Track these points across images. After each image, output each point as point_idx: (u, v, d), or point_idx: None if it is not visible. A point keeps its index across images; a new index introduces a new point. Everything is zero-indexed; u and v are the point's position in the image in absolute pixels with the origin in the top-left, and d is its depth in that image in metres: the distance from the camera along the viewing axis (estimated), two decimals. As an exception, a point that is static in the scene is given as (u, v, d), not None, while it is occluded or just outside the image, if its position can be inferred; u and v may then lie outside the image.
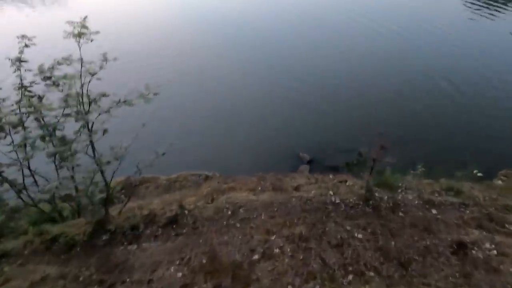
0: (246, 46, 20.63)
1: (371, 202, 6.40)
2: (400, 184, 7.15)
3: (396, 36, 22.31)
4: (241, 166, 13.04)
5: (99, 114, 5.45)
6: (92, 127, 5.52)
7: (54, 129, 5.90)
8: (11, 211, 7.07)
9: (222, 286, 4.53)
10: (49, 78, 5.48)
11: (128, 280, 4.85)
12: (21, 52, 6.08)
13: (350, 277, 4.75)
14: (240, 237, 5.47)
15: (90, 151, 5.99)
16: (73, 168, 5.65)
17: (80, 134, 5.49)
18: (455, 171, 11.15)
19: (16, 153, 6.01)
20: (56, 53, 5.70)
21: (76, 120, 5.40)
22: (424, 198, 6.73)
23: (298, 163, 13.58)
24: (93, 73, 5.43)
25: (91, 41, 5.41)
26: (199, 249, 5.29)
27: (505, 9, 26.64)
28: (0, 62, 6.72)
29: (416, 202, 6.63)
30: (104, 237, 5.81)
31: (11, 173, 6.45)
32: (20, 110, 5.97)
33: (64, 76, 5.32)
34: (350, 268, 4.86)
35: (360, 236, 5.49)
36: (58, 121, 5.87)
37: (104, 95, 5.87)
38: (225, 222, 5.89)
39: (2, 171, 5.54)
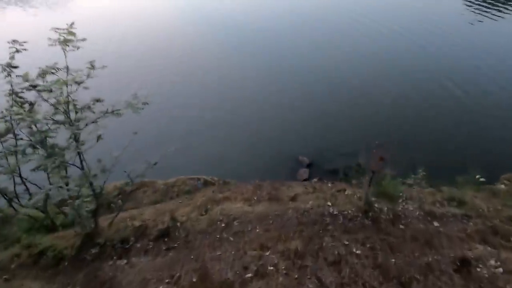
0: (246, 49, 20.20)
1: (370, 214, 6.07)
2: (400, 194, 6.81)
3: (398, 37, 21.83)
4: (240, 169, 12.73)
5: (86, 125, 5.14)
6: (79, 137, 5.21)
7: (46, 137, 5.61)
8: (2, 219, 6.83)
9: (212, 307, 4.23)
10: (35, 87, 5.17)
11: (114, 299, 4.56)
12: (11, 57, 5.80)
13: (347, 298, 4.44)
14: (233, 252, 5.16)
15: (85, 159, 5.74)
16: (62, 178, 5.37)
17: (68, 146, 5.17)
18: (457, 175, 10.81)
19: (7, 160, 5.74)
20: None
21: (66, 128, 5.10)
22: (426, 209, 6.38)
23: (297, 166, 13.24)
24: (79, 82, 5.11)
25: (77, 48, 5.08)
26: (190, 265, 4.99)
27: (506, 9, 26.06)
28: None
29: (417, 213, 6.29)
30: (93, 251, 5.53)
31: (2, 181, 6.20)
32: (11, 117, 5.70)
33: (49, 87, 4.99)
34: (348, 288, 4.54)
35: (358, 252, 5.16)
36: (49, 128, 5.59)
37: (89, 106, 5.53)
38: (218, 236, 5.58)
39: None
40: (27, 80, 5.16)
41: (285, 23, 23.97)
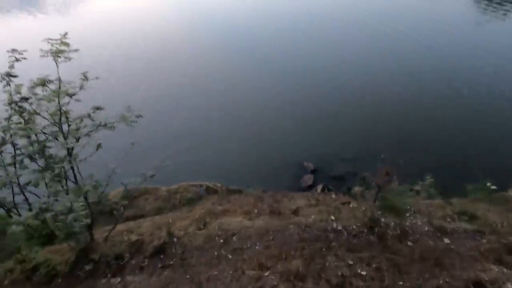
0: (251, 53, 19.82)
1: (376, 229, 5.67)
2: (408, 207, 6.38)
3: (404, 38, 21.21)
4: (245, 176, 12.40)
5: (79, 138, 4.87)
6: (72, 151, 4.94)
7: (44, 146, 5.37)
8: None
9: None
10: (26, 99, 4.93)
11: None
12: (11, 66, 5.57)
13: (351, 326, 4.06)
14: (230, 272, 4.83)
15: (80, 172, 5.49)
16: (57, 192, 5.11)
17: (62, 159, 4.91)
18: (467, 182, 10.31)
19: (6, 170, 5.52)
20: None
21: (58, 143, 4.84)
22: (435, 224, 5.95)
23: (302, 172, 12.85)
24: (72, 94, 4.84)
25: (69, 60, 4.82)
26: (185, 286, 4.67)
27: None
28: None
29: (426, 228, 5.86)
30: (87, 267, 5.25)
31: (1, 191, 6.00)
32: (9, 127, 5.48)
33: (38, 99, 4.73)
34: (352, 315, 4.17)
35: (363, 273, 4.78)
36: (47, 138, 5.34)
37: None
38: (216, 253, 5.25)
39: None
40: (18, 93, 4.91)
41: (289, 26, 23.51)
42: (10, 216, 6.34)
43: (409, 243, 5.51)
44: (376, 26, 22.88)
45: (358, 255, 5.11)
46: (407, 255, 5.22)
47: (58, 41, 4.96)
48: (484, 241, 5.67)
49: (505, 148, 12.88)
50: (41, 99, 5.04)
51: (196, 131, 14.00)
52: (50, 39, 4.95)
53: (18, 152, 5.54)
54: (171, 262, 5.18)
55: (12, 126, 5.32)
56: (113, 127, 4.94)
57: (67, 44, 5.05)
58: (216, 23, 24.38)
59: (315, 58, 19.14)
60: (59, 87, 4.83)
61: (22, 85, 5.11)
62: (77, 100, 4.92)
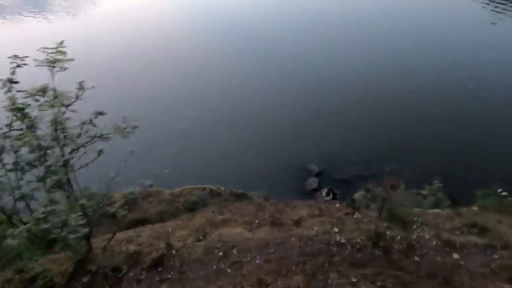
0: (253, 53, 19.44)
1: (381, 243, 5.37)
2: (415, 219, 6.06)
3: (413, 38, 20.58)
4: (249, 178, 12.16)
5: (74, 150, 4.70)
6: (68, 163, 4.77)
7: (45, 153, 5.22)
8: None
9: None
10: (21, 110, 4.77)
11: None
12: (12, 72, 5.43)
13: None
14: None
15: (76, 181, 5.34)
16: (52, 202, 4.96)
17: (57, 171, 4.75)
18: (476, 186, 9.89)
19: (7, 176, 5.40)
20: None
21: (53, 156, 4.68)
22: (443, 238, 5.63)
23: (306, 175, 12.55)
24: (67, 105, 4.66)
25: (64, 70, 4.63)
26: (181, 302, 4.47)
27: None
28: None
29: (434, 242, 5.55)
30: (84, 279, 5.10)
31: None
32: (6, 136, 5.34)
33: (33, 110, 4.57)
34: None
35: (367, 291, 4.50)
36: (47, 146, 5.19)
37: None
38: (214, 266, 5.04)
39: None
40: (14, 103, 4.75)
41: (290, 25, 22.95)
42: (12, 222, 6.25)
43: (416, 258, 5.21)
44: (380, 22, 22.30)
45: (362, 271, 4.83)
46: (413, 271, 4.92)
47: (54, 50, 4.78)
48: (496, 256, 5.32)
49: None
50: (41, 105, 4.88)
51: (198, 133, 13.80)
52: (46, 48, 4.78)
53: (19, 159, 5.42)
54: (169, 276, 4.99)
55: (13, 133, 5.19)
56: (109, 138, 4.73)
57: (63, 53, 4.87)
58: (215, 21, 24.03)
59: (318, 56, 18.69)
60: (54, 98, 4.64)
61: (16, 97, 4.97)
62: (73, 111, 4.73)
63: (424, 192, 10.65)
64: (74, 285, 5.07)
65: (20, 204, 6.03)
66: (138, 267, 5.20)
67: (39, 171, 5.20)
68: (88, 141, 4.72)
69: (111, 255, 5.47)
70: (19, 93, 4.79)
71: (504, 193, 8.73)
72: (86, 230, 5.32)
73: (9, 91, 5.43)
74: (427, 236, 5.65)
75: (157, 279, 4.97)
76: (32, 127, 5.17)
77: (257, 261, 5.09)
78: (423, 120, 14.30)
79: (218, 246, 5.37)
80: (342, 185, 12.05)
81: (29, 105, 5.03)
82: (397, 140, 13.36)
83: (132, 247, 5.70)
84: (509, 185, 8.87)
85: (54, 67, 4.63)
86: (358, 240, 5.43)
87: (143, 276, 5.05)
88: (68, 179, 4.87)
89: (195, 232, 5.88)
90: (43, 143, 4.90)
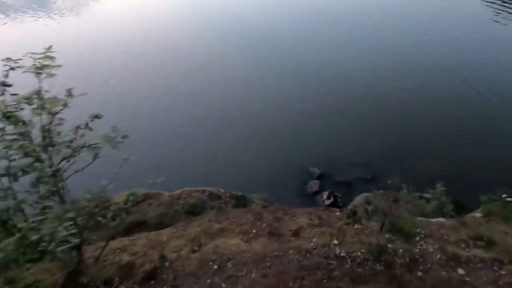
0: (255, 53, 19.03)
1: (383, 257, 5.07)
2: (417, 230, 5.74)
3: (416, 38, 20.03)
4: (249, 181, 11.87)
5: (62, 159, 4.43)
6: (56, 173, 4.50)
7: (38, 159, 4.97)
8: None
9: None
10: (9, 117, 4.50)
11: None
12: (5, 75, 5.16)
13: None
14: (223, 304, 4.34)
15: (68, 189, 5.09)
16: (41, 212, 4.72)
17: (47, 181, 4.49)
18: (480, 191, 9.52)
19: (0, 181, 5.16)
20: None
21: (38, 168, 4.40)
22: (448, 251, 5.31)
23: (307, 178, 12.24)
24: (55, 113, 4.38)
25: (51, 77, 4.35)
26: (173, 320, 4.21)
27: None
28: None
29: (438, 256, 5.23)
30: (75, 292, 4.85)
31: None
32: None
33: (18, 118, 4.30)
34: None
35: (368, 311, 4.21)
36: (36, 156, 4.93)
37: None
38: (209, 280, 4.78)
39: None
40: (6, 107, 4.47)
41: (291, 24, 22.51)
42: (6, 228, 6.01)
43: (420, 274, 4.91)
44: (382, 21, 21.74)
45: (363, 287, 4.54)
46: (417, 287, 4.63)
47: (42, 56, 4.50)
48: (503, 272, 5.00)
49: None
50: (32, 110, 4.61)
51: (197, 133, 13.53)
52: (34, 53, 4.49)
53: (12, 164, 5.16)
54: (161, 290, 4.73)
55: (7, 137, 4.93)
56: (98, 148, 4.45)
57: (51, 58, 4.58)
58: (217, 20, 23.63)
59: (320, 55, 18.28)
60: (41, 105, 4.37)
61: (7, 101, 4.70)
62: (61, 119, 4.45)
63: (427, 195, 10.32)
64: (64, 298, 4.84)
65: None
66: (130, 279, 4.95)
67: (32, 177, 4.97)
68: (77, 151, 4.44)
69: (103, 266, 5.23)
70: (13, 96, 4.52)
71: (509, 199, 8.37)
72: (77, 240, 5.09)
73: (2, 94, 5.18)
74: (431, 249, 5.34)
75: (149, 293, 4.71)
76: (24, 132, 4.92)
77: (253, 275, 4.81)
78: (426, 121, 13.90)
79: (213, 258, 5.10)
80: (343, 187, 11.74)
81: (22, 109, 4.77)
82: (399, 142, 12.98)
83: (125, 257, 5.45)
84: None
85: (40, 73, 4.35)
86: (359, 253, 5.13)
87: (135, 290, 4.80)
88: (57, 189, 4.61)
89: (190, 242, 5.61)
90: (33, 152, 4.65)
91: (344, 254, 5.12)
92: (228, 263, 5.01)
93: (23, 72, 4.44)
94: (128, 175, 11.42)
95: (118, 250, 5.77)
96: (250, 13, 24.39)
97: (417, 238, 5.58)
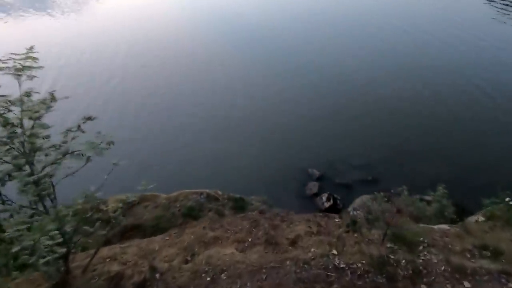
0: (254, 54, 18.53)
1: (385, 269, 4.74)
2: (420, 239, 5.40)
3: (418, 39, 19.53)
4: (248, 182, 11.51)
5: (44, 167, 4.10)
6: (39, 181, 4.17)
7: (18, 167, 4.64)
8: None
9: None
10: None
11: None
12: None
13: None
14: (215, 321, 4.02)
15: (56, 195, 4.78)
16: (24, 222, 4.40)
17: (27, 190, 4.16)
18: (483, 193, 9.18)
19: None
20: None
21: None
22: (453, 263, 4.97)
23: (307, 179, 11.88)
24: (35, 118, 4.05)
25: (31, 79, 4.01)
26: (162, 338, 3.89)
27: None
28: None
29: (443, 268, 4.90)
30: (61, 306, 4.54)
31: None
32: None
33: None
34: None
35: (369, 329, 3.89)
36: (16, 164, 4.59)
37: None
38: (201, 294, 4.45)
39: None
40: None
41: (292, 24, 22.04)
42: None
43: (423, 287, 4.58)
44: (383, 22, 21.28)
45: (363, 304, 4.22)
46: (420, 304, 4.30)
47: (23, 56, 4.16)
48: (511, 285, 4.67)
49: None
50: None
51: (196, 134, 13.18)
52: (14, 54, 4.15)
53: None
54: (151, 304, 4.42)
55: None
56: (83, 155, 4.12)
57: (34, 59, 4.23)
58: (217, 19, 23.12)
59: (319, 56, 17.83)
60: (21, 111, 4.03)
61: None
62: (41, 125, 4.11)
63: (428, 198, 10.00)
64: (49, 312, 4.54)
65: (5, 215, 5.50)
66: (118, 292, 4.64)
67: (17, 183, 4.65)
68: (59, 159, 4.11)
69: (92, 277, 4.92)
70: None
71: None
72: (63, 250, 4.77)
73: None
74: (435, 260, 5.01)
75: (138, 307, 4.40)
76: (13, 135, 4.59)
77: (247, 288, 4.49)
78: (427, 122, 13.51)
79: (206, 270, 4.78)
80: (342, 189, 11.39)
81: (10, 111, 4.44)
82: (400, 143, 12.62)
83: (115, 267, 5.14)
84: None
85: (20, 75, 4.01)
86: (359, 264, 4.80)
87: (123, 304, 4.49)
88: (41, 198, 4.29)
89: (183, 251, 5.29)
90: (18, 158, 4.32)
91: (344, 266, 4.79)
92: (222, 275, 4.70)
93: (4, 74, 4.10)
94: (128, 175, 11.17)
95: (108, 259, 5.46)
96: (250, 13, 23.97)
97: (420, 248, 5.25)
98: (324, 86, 15.53)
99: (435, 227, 6.16)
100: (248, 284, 4.55)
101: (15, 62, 4.07)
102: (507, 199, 8.23)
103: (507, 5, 23.35)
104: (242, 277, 4.65)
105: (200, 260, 4.97)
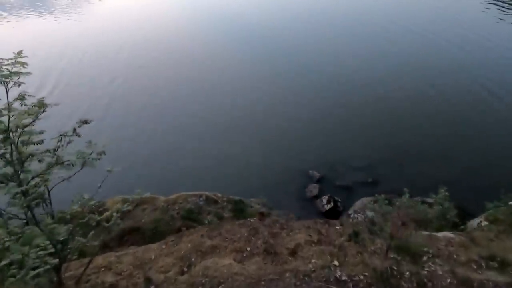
0: (254, 54, 18.19)
1: (388, 282, 4.51)
2: (425, 249, 5.17)
3: (419, 39, 19.13)
4: (247, 184, 11.29)
5: (33, 177, 3.87)
6: (27, 192, 3.95)
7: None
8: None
9: None
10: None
11: None
12: None
13: None
14: (211, 339, 3.80)
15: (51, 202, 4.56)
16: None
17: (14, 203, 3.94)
18: (484, 195, 8.95)
19: None
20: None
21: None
22: (459, 275, 4.74)
23: (307, 181, 11.64)
24: (24, 126, 3.81)
25: (18, 86, 3.77)
26: None
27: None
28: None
29: (449, 280, 4.66)
30: (52, 319, 4.33)
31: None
32: None
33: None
34: None
35: None
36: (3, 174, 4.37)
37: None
38: (197, 308, 4.23)
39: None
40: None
41: (292, 24, 21.66)
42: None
43: (428, 301, 4.35)
44: (384, 22, 20.90)
45: (366, 320, 3.99)
46: (426, 320, 4.07)
47: (12, 61, 3.90)
48: (520, 299, 4.44)
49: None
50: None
51: (195, 135, 12.93)
52: (1, 59, 3.89)
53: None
54: (145, 319, 4.20)
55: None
56: (73, 165, 3.89)
57: (22, 64, 3.98)
58: (217, 19, 22.77)
59: (320, 57, 17.49)
60: (8, 118, 3.78)
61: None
62: (34, 135, 3.87)
63: (430, 200, 9.77)
64: (40, 326, 4.32)
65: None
66: (111, 306, 4.42)
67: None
68: (48, 169, 3.88)
69: (85, 289, 4.70)
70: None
71: (516, 206, 7.81)
72: (55, 261, 4.55)
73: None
74: (440, 272, 4.77)
75: (132, 322, 4.18)
76: (6, 139, 4.35)
77: (245, 302, 4.27)
78: (428, 123, 13.23)
79: (203, 282, 4.56)
80: (343, 191, 11.15)
81: (3, 115, 4.20)
82: (401, 145, 12.35)
83: (109, 278, 4.93)
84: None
85: (7, 82, 3.76)
86: (361, 277, 4.57)
87: (117, 318, 4.28)
88: (29, 209, 4.07)
89: (179, 261, 5.07)
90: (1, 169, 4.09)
91: (346, 278, 4.56)
92: (219, 288, 4.48)
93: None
94: (128, 176, 10.93)
95: (103, 268, 5.25)
96: (251, 13, 23.62)
97: (425, 258, 5.01)
98: (324, 86, 15.24)
99: (440, 235, 5.93)
100: (246, 297, 4.33)
101: (1, 68, 3.82)
102: (511, 202, 8.00)
103: None
104: (240, 290, 4.42)
105: (196, 271, 4.75)
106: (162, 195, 9.84)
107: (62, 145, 4.49)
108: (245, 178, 11.39)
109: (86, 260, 5.51)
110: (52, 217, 4.63)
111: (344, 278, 4.58)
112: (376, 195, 8.79)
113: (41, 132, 4.48)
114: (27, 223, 4.52)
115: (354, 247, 5.24)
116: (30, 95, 4.27)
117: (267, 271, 4.67)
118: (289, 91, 15.10)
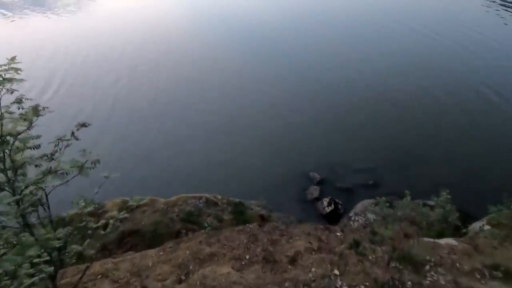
0: (255, 56, 17.93)
1: (389, 292, 4.37)
2: (427, 258, 5.02)
3: (422, 40, 18.80)
4: (247, 186, 11.15)
5: (26, 186, 3.75)
6: (20, 201, 3.82)
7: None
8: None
9: None
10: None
11: None
12: None
13: None
14: None
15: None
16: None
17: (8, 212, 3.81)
18: (486, 198, 8.79)
19: None
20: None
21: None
22: (462, 285, 4.59)
23: (307, 183, 11.47)
24: (16, 134, 3.68)
25: (11, 93, 3.63)
26: None
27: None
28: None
29: (451, 291, 4.52)
30: (47, 329, 4.22)
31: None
32: None
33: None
34: None
35: None
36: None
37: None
38: (194, 319, 4.11)
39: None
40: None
41: (293, 25, 21.36)
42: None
43: (430, 313, 4.21)
44: (386, 23, 20.62)
45: (367, 333, 3.86)
46: (428, 333, 3.93)
47: (4, 68, 3.77)
48: (525, 311, 4.29)
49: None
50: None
51: (195, 137, 12.78)
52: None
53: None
54: (141, 330, 4.08)
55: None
56: (67, 173, 3.76)
57: (16, 70, 3.84)
58: (217, 21, 22.49)
59: (321, 59, 17.24)
60: (1, 126, 3.65)
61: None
62: (27, 143, 3.74)
63: (431, 203, 9.62)
64: (35, 336, 4.21)
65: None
66: (107, 317, 4.31)
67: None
68: (41, 178, 3.75)
69: (81, 298, 4.59)
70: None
71: (519, 210, 7.66)
72: (50, 269, 4.44)
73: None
74: (443, 281, 4.63)
75: (128, 333, 4.07)
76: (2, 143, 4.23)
77: (243, 313, 4.14)
78: (430, 125, 13.02)
79: (200, 291, 4.44)
80: (344, 194, 10.98)
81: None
82: (403, 147, 12.15)
83: (106, 286, 4.82)
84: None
85: (3, 86, 3.62)
86: (362, 287, 4.43)
87: (113, 328, 4.17)
88: (23, 217, 3.95)
89: (177, 269, 4.95)
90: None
91: (346, 288, 4.43)
92: (217, 298, 4.35)
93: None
94: (128, 176, 10.80)
95: (100, 276, 5.14)
96: (251, 14, 23.41)
97: (427, 267, 4.87)
98: (325, 88, 15.04)
99: (442, 241, 5.78)
100: (244, 308, 4.20)
101: (-5, 74, 3.69)
102: (514, 206, 7.84)
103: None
104: (238, 300, 4.30)
105: (194, 280, 4.63)
106: (162, 196, 9.72)
107: (60, 149, 4.38)
108: (246, 180, 11.25)
109: (83, 266, 5.41)
110: (51, 221, 4.52)
111: (344, 287, 4.44)
112: (377, 197, 8.61)
113: (37, 137, 4.36)
114: (22, 230, 4.41)
115: (355, 255, 5.09)
116: (28, 99, 4.15)
117: (266, 280, 4.55)
118: (290, 92, 14.91)
